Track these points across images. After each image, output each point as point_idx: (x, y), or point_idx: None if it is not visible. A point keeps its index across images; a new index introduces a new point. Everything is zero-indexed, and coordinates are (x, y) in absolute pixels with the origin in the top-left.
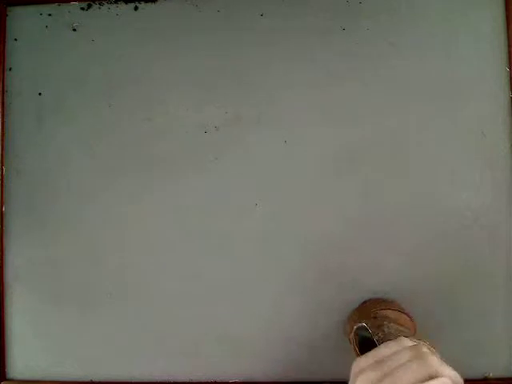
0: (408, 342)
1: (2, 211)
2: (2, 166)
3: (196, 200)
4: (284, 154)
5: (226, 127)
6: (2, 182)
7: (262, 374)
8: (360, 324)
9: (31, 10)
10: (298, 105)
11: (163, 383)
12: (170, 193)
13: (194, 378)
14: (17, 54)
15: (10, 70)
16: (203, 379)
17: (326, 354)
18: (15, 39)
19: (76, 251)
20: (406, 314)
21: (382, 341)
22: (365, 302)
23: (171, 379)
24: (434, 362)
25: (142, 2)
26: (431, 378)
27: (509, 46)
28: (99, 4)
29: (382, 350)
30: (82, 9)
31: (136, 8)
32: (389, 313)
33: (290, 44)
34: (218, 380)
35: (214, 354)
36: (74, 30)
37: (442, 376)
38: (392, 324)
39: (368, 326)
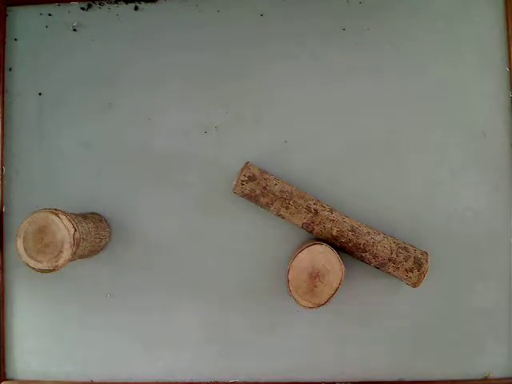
0: None
1: (2, 211)
2: (2, 165)
3: (195, 200)
4: (284, 154)
5: (225, 127)
6: (2, 181)
7: (262, 374)
8: None
9: (31, 10)
10: (297, 105)
11: (163, 383)
12: (170, 192)
13: (194, 378)
14: (17, 54)
15: (10, 70)
16: (203, 379)
17: (327, 354)
18: (15, 39)
19: None
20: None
21: None
22: None
23: (171, 379)
24: None
25: (142, 2)
26: None
27: (509, 46)
28: (99, 4)
29: None
30: (82, 9)
31: (136, 8)
32: None
33: (290, 44)
34: (218, 380)
35: (213, 354)
36: (74, 30)
37: None
38: None
39: None
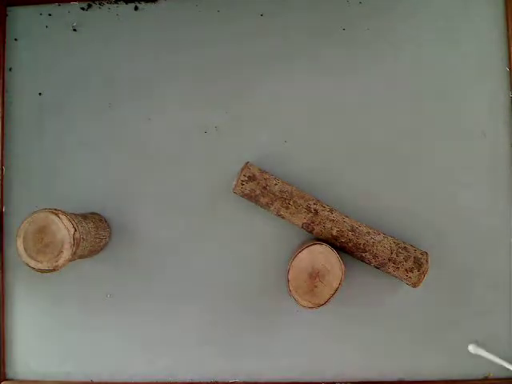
0: None
1: (2, 211)
2: (2, 165)
3: (195, 200)
4: (284, 154)
5: (225, 127)
6: (2, 181)
7: (262, 374)
8: None
9: (31, 10)
10: (297, 105)
11: (163, 383)
12: (170, 192)
13: (194, 378)
14: (17, 53)
15: (10, 70)
16: (203, 379)
17: (327, 354)
18: (15, 39)
19: None
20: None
21: None
22: None
23: (171, 379)
24: None
25: (142, 2)
26: None
27: (509, 46)
28: (99, 4)
29: None
30: (82, 9)
31: (136, 8)
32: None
33: (290, 44)
34: (218, 380)
35: (213, 354)
36: (74, 30)
37: None
38: None
39: None
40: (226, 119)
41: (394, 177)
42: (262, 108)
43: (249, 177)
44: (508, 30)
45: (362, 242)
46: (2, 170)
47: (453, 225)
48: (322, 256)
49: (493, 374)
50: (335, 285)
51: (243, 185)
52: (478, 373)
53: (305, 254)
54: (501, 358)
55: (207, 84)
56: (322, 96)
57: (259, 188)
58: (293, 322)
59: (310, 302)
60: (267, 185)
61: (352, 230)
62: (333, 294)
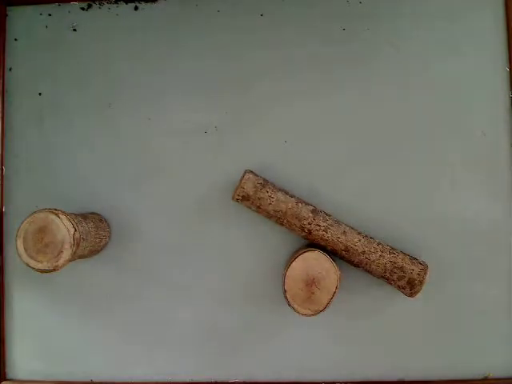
0: None
1: (1, 211)
2: (2, 165)
3: (195, 200)
4: (284, 154)
5: (225, 127)
6: (2, 181)
7: (262, 374)
8: None
9: (31, 10)
10: (298, 105)
11: (163, 383)
12: (170, 192)
13: (194, 378)
14: (17, 53)
15: (10, 70)
16: (203, 379)
17: (327, 354)
18: (15, 39)
19: None
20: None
21: None
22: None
23: (171, 379)
24: None
25: (142, 2)
26: None
27: (509, 46)
28: (99, 4)
29: None
30: (82, 9)
31: (136, 8)
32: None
33: (290, 44)
34: (218, 380)
35: (214, 354)
36: (74, 30)
37: None
38: None
39: None
40: (226, 119)
41: (395, 177)
42: (261, 108)
43: (243, 196)
44: (508, 30)
45: (356, 260)
46: (2, 170)
47: (452, 225)
48: (316, 262)
49: (493, 374)
50: (332, 289)
51: (238, 201)
52: (477, 373)
53: (298, 263)
54: (500, 357)
55: (207, 84)
56: (322, 96)
57: (254, 206)
58: (293, 322)
59: (309, 309)
60: (261, 204)
61: (346, 250)
62: (331, 299)
